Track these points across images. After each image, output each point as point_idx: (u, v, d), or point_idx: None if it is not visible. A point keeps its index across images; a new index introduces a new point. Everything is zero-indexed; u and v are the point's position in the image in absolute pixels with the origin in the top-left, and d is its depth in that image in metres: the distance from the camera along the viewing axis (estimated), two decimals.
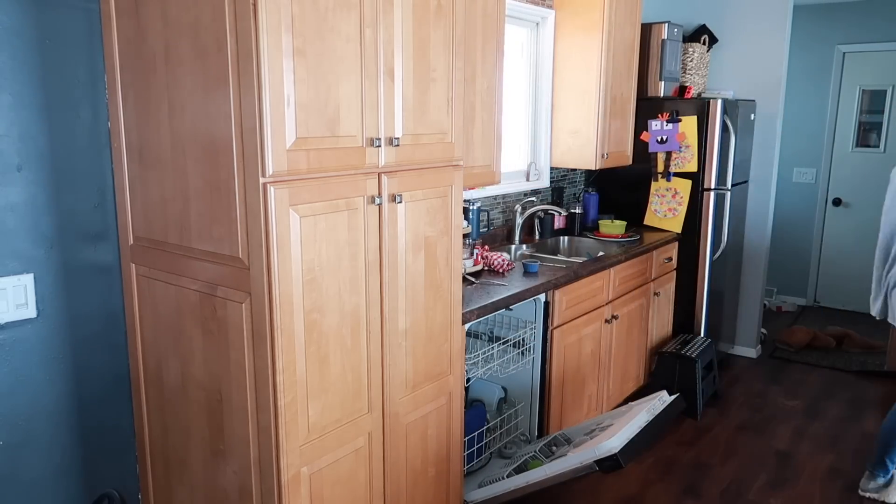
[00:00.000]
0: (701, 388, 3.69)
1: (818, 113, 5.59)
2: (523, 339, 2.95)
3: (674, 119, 3.95)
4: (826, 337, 4.85)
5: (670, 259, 3.99)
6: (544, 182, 3.97)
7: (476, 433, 2.78)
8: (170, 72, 1.76)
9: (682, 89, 4.15)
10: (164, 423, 2.09)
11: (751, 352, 4.67)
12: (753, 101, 4.40)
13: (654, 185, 4.09)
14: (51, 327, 2.03)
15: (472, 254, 2.94)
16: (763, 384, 4.22)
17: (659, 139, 4.01)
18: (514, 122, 3.77)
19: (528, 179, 3.85)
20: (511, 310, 2.78)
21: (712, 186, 3.95)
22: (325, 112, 1.73)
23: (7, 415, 1.97)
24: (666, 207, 4.06)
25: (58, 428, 2.09)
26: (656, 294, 3.84)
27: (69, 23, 1.96)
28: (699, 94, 4.30)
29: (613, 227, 3.87)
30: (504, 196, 3.67)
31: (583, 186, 4.41)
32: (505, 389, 3.11)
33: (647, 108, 4.04)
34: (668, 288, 4.02)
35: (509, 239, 3.69)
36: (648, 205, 4.11)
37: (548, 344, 2.93)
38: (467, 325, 2.43)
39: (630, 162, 4.07)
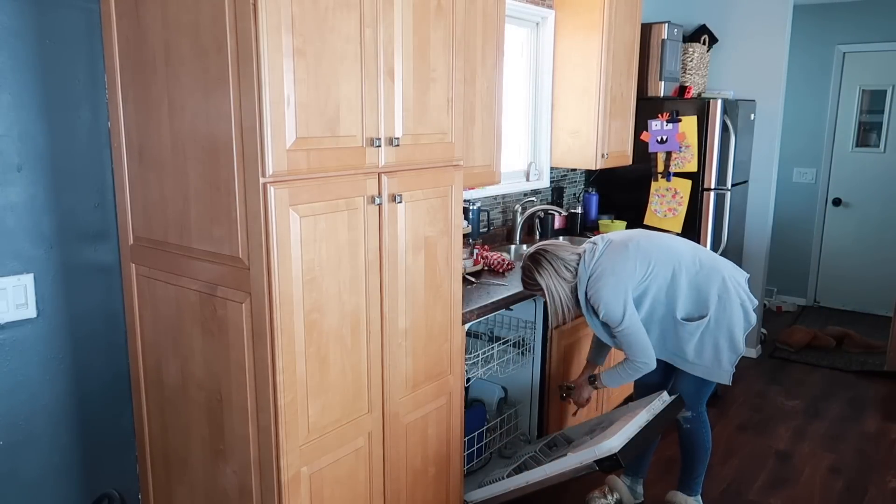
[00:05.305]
0: None
1: (818, 113, 5.59)
2: (523, 339, 2.95)
3: (674, 119, 3.95)
4: (826, 337, 4.85)
5: None
6: (544, 182, 3.97)
7: (476, 433, 2.78)
8: (170, 72, 1.76)
9: (682, 89, 4.15)
10: (164, 422, 2.09)
11: (751, 352, 4.67)
12: (753, 101, 4.40)
13: (654, 185, 4.09)
14: (51, 327, 2.03)
15: (472, 254, 2.94)
16: (763, 384, 4.22)
17: (659, 139, 4.01)
18: (514, 122, 3.77)
19: (528, 179, 3.84)
20: (511, 310, 2.78)
21: (712, 186, 3.94)
22: (325, 112, 1.73)
23: (7, 415, 1.97)
24: (666, 207, 4.06)
25: (58, 428, 2.09)
26: None
27: (69, 23, 1.96)
28: (699, 94, 4.30)
29: (613, 227, 3.87)
30: (504, 196, 3.67)
31: (583, 186, 4.41)
32: (505, 389, 3.10)
33: (647, 108, 4.04)
34: None
35: (509, 239, 3.69)
36: (648, 205, 4.11)
37: (548, 344, 2.93)
38: (467, 325, 2.43)
39: (630, 162, 4.07)
